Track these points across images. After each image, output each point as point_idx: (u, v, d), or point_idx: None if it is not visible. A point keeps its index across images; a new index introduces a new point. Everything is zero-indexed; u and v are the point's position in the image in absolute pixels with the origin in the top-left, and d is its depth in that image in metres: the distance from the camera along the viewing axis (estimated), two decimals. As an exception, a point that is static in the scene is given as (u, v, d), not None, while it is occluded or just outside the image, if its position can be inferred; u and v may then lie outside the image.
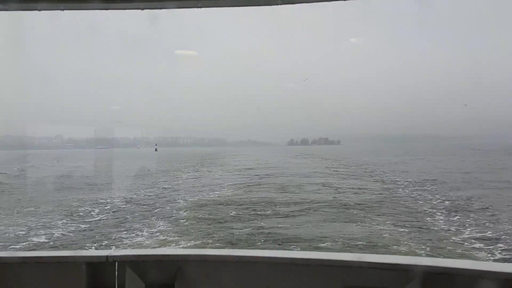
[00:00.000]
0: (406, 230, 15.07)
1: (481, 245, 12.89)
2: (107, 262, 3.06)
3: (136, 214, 19.68)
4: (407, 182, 31.09)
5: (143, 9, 2.45)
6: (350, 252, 11.63)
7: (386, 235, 14.45)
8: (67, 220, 18.45)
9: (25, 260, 3.22)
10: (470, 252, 12.50)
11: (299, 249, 12.44)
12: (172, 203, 23.17)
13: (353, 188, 27.93)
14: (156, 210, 20.86)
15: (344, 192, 26.31)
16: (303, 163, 59.84)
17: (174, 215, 19.43)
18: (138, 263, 3.07)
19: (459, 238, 13.86)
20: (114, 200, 24.46)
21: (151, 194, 27.62)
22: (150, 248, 12.95)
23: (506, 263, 10.09)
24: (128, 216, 19.20)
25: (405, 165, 53.08)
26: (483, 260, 11.05)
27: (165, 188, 31.30)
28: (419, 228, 15.55)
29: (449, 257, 11.33)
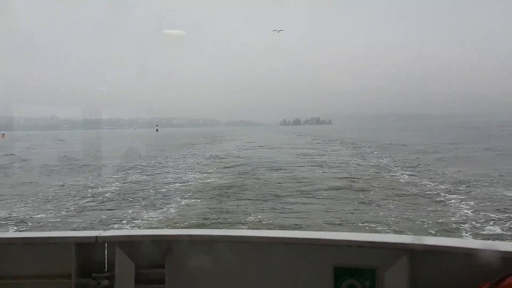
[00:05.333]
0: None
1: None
2: (97, 243, 2.96)
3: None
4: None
5: None
6: (340, 231, 11.44)
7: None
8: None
9: (12, 241, 3.14)
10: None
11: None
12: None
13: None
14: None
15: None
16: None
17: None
18: (128, 244, 2.97)
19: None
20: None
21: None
22: (140, 228, 12.71)
23: (495, 241, 9.84)
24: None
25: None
26: (471, 238, 10.87)
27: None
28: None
29: (437, 235, 11.12)
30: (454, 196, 16.67)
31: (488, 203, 15.13)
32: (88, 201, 18.07)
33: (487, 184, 19.23)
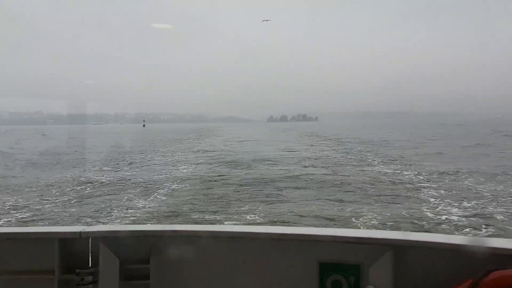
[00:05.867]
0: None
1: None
2: (81, 238, 2.92)
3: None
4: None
5: None
6: (325, 227, 11.48)
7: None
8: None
9: None
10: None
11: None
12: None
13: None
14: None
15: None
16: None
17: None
18: (112, 239, 2.93)
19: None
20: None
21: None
22: (125, 224, 12.59)
23: (479, 237, 9.98)
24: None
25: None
26: (456, 234, 10.99)
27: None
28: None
29: (421, 231, 11.21)
30: (437, 191, 16.87)
31: (471, 199, 15.33)
32: (72, 196, 17.83)
33: (470, 179, 19.52)
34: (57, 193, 18.61)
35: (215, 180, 20.97)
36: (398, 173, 22.64)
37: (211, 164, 28.90)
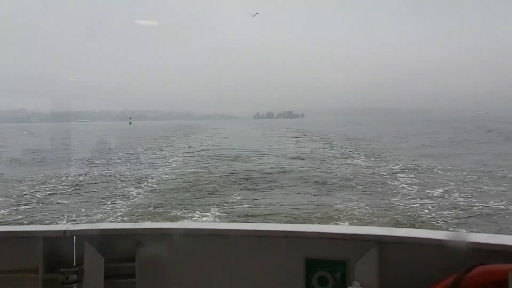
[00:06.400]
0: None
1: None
2: (65, 237, 2.88)
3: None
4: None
5: None
6: (311, 223, 11.51)
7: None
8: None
9: None
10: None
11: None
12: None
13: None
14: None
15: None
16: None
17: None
18: (97, 238, 2.90)
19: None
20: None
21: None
22: (110, 222, 12.48)
23: (463, 232, 10.10)
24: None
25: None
26: (440, 230, 11.11)
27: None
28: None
29: (407, 227, 11.30)
30: (421, 187, 17.05)
31: (455, 194, 15.55)
32: (57, 195, 17.60)
33: (453, 175, 19.77)
34: (41, 192, 18.35)
35: (201, 178, 20.90)
36: (379, 168, 22.93)
37: (197, 161, 28.81)
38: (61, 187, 19.49)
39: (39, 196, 17.39)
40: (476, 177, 18.95)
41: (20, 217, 13.91)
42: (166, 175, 22.38)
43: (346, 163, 24.86)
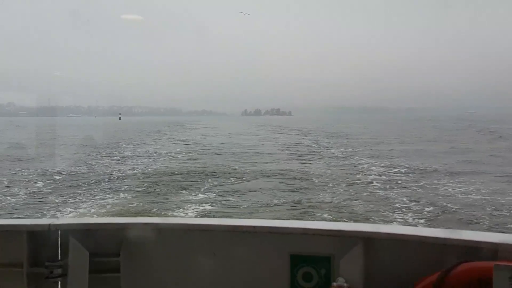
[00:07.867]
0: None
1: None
2: (50, 231, 2.87)
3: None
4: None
5: None
6: (296, 219, 11.54)
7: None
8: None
9: None
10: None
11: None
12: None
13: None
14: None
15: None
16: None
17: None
18: (82, 232, 2.89)
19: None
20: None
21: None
22: (95, 216, 12.38)
23: (448, 230, 10.17)
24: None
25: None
26: (424, 226, 11.20)
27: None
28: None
29: (391, 223, 11.38)
30: (408, 185, 17.25)
31: (439, 193, 15.70)
32: (41, 189, 17.45)
33: (437, 175, 19.86)
34: (26, 186, 18.15)
35: (187, 172, 20.89)
36: (363, 164, 23.22)
37: (186, 157, 28.83)
38: (47, 182, 19.24)
39: (24, 190, 17.16)
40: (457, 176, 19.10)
41: (4, 211, 13.73)
42: (153, 169, 22.30)
43: (326, 163, 24.92)
